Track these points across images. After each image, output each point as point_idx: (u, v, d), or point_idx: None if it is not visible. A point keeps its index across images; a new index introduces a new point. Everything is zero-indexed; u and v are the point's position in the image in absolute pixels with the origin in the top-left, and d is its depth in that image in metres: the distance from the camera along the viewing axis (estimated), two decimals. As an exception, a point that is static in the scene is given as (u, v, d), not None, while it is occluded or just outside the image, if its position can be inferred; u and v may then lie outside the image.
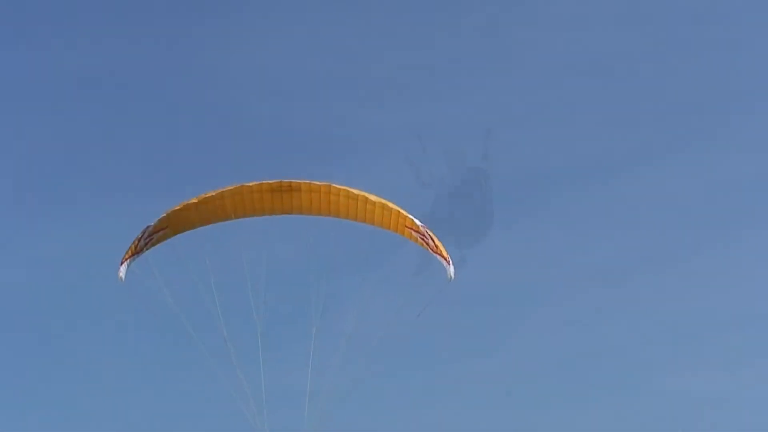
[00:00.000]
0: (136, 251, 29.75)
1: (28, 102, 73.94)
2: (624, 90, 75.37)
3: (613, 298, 67.48)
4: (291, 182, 30.34)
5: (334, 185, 30.40)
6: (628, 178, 73.12)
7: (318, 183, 30.44)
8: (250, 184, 30.25)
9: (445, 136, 73.92)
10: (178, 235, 30.09)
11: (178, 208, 30.05)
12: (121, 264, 29.74)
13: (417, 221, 30.54)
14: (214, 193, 30.17)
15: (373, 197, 30.35)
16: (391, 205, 30.50)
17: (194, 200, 30.11)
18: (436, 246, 30.65)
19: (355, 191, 30.38)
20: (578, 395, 62.39)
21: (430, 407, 59.87)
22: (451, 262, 30.64)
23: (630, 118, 75.24)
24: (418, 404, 59.97)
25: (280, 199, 30.29)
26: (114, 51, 75.30)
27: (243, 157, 67.97)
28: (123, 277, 29.57)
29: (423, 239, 30.61)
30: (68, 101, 74.31)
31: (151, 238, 29.80)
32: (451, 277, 30.50)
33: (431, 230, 30.68)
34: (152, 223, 29.93)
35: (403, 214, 30.55)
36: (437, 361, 62.55)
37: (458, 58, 76.63)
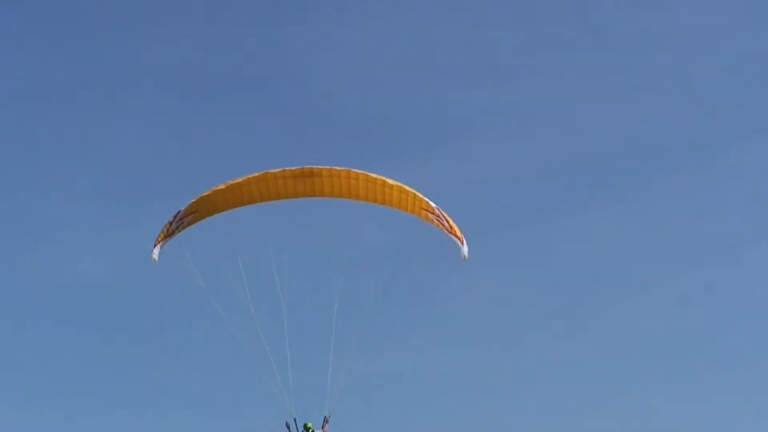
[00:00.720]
0: (168, 234, 31.56)
1: (111, 99, 76.29)
2: (737, 62, 75.43)
3: (725, 275, 68.28)
4: (312, 168, 31.83)
5: (353, 170, 31.89)
6: (740, 151, 73.57)
7: (338, 168, 31.88)
8: (275, 170, 31.87)
9: (557, 114, 75.31)
10: (208, 219, 31.90)
11: (207, 193, 31.74)
12: (154, 246, 31.61)
13: (432, 203, 32.09)
14: (240, 179, 31.78)
15: (390, 181, 31.85)
16: (407, 188, 31.99)
17: (222, 186, 31.80)
18: (451, 227, 32.24)
19: (374, 175, 31.86)
20: (689, 375, 63.40)
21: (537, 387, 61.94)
22: (464, 241, 32.26)
23: (742, 90, 75.25)
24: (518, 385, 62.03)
25: (303, 184, 31.82)
26: (207, 43, 77.22)
27: (339, 144, 69.95)
28: (156, 258, 31.45)
29: (439, 220, 32.16)
30: (154, 94, 76.56)
31: (182, 221, 31.58)
32: (465, 256, 32.11)
33: (445, 212, 32.30)
34: (183, 208, 31.76)
35: (419, 196, 32.07)
36: (542, 340, 64.52)
37: (563, 36, 77.64)
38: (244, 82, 76.88)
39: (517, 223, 71.23)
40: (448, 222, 32.17)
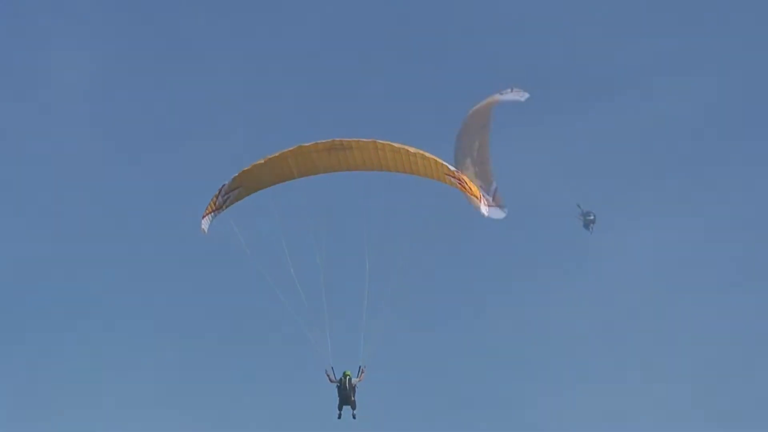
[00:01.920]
0: (216, 208, 34.83)
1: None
2: None
3: None
4: (342, 140, 34.14)
5: (378, 141, 34.18)
6: None
7: (365, 140, 34.20)
8: (308, 144, 34.68)
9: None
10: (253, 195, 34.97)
11: (248, 168, 34.67)
12: (203, 218, 35.01)
13: (451, 167, 34.63)
14: (278, 154, 34.62)
15: (411, 149, 33.84)
16: (428, 155, 34.12)
17: (261, 160, 34.78)
18: (471, 189, 34.88)
19: (397, 145, 33.99)
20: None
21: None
22: (482, 201, 35.04)
23: None
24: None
25: (337, 158, 34.18)
26: None
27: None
28: (206, 230, 34.93)
29: (461, 183, 34.74)
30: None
31: (228, 196, 34.65)
32: (484, 214, 35.01)
33: (464, 174, 35.07)
34: (227, 182, 34.95)
35: (440, 162, 34.24)
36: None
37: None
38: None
39: (692, 170, 73.00)
40: (467, 184, 34.81)
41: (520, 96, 34.12)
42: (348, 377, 34.26)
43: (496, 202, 36.06)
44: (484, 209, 34.94)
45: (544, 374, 61.89)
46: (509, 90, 34.52)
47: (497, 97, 34.55)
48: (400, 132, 34.75)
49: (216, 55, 79.06)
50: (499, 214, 36.12)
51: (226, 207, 34.74)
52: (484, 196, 35.34)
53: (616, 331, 65.28)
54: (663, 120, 75.08)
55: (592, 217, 33.33)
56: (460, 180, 34.72)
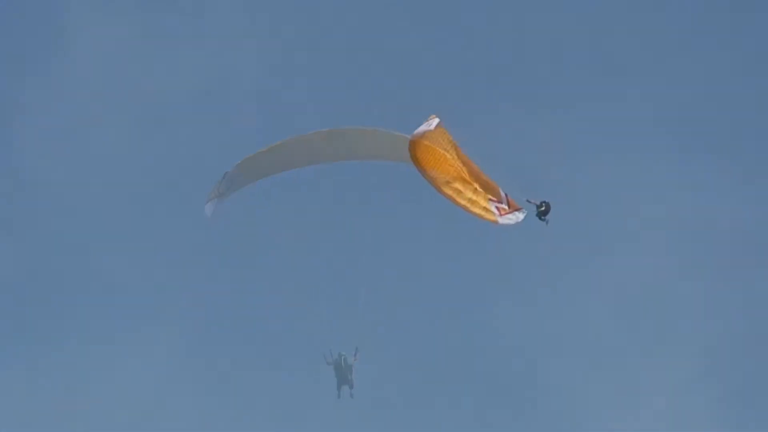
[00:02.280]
0: (219, 194, 36.03)
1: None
2: None
3: None
4: (342, 129, 34.78)
5: (378, 129, 34.55)
6: None
7: (365, 128, 34.83)
8: (307, 133, 35.62)
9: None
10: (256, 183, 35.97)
11: (250, 156, 35.69)
12: (207, 203, 36.17)
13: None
14: (278, 143, 35.60)
15: (409, 137, 34.98)
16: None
17: (264, 149, 35.80)
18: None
19: (397, 133, 34.50)
20: None
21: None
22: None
23: None
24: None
25: (335, 146, 34.83)
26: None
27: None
28: (209, 215, 36.14)
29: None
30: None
31: (230, 183, 35.79)
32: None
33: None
34: (230, 169, 36.01)
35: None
36: None
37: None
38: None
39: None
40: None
41: (427, 126, 34.35)
42: (343, 357, 35.64)
43: (511, 207, 36.23)
44: (500, 219, 35.19)
45: (546, 368, 62.51)
46: (424, 121, 34.84)
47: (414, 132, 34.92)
48: (399, 129, 35.00)
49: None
50: (518, 217, 36.16)
51: (229, 194, 35.82)
52: (498, 206, 35.54)
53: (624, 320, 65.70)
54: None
55: (543, 208, 33.19)
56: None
